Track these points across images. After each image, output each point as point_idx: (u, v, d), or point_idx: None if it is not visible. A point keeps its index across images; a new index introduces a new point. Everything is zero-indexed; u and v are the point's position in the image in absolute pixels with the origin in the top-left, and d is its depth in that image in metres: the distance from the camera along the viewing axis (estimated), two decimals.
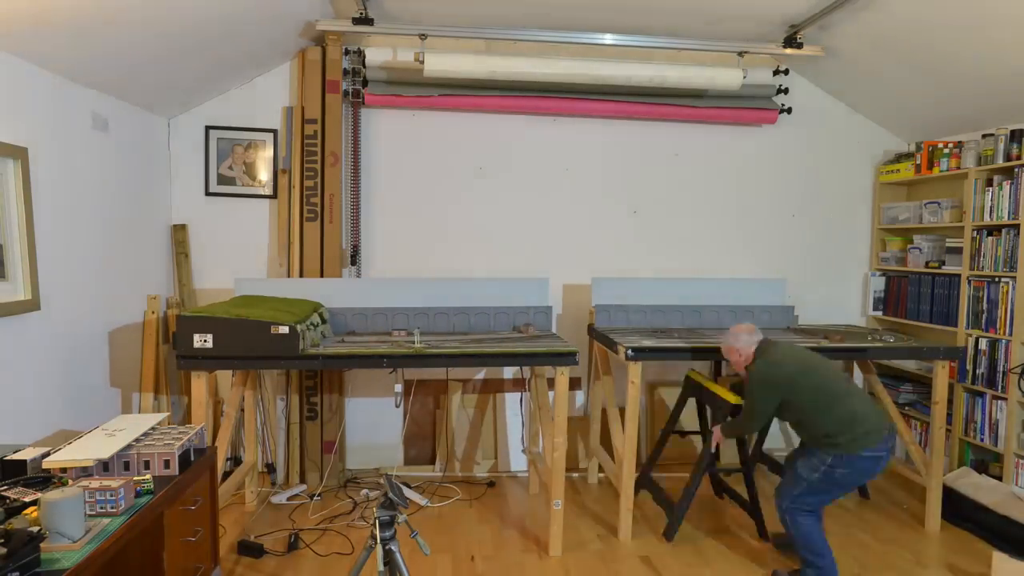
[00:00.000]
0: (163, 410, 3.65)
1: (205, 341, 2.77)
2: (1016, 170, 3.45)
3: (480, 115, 4.13)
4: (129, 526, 1.78)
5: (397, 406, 3.62)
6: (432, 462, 4.18)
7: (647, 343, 3.26)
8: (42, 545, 1.57)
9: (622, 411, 4.14)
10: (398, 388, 3.24)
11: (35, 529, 1.55)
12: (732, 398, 3.18)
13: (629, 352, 3.15)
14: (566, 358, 3.02)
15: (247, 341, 2.78)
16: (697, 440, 4.30)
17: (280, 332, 2.80)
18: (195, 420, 2.89)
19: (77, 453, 1.95)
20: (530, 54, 3.90)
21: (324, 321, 3.34)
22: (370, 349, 2.96)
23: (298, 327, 2.83)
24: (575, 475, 4.17)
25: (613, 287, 3.91)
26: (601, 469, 4.11)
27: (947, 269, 3.91)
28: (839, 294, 4.53)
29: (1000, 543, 3.24)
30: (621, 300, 3.91)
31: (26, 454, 2.04)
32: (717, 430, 3.17)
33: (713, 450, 3.30)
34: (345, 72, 3.91)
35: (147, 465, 2.08)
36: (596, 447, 3.99)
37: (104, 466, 2.03)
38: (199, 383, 2.87)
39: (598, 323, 3.87)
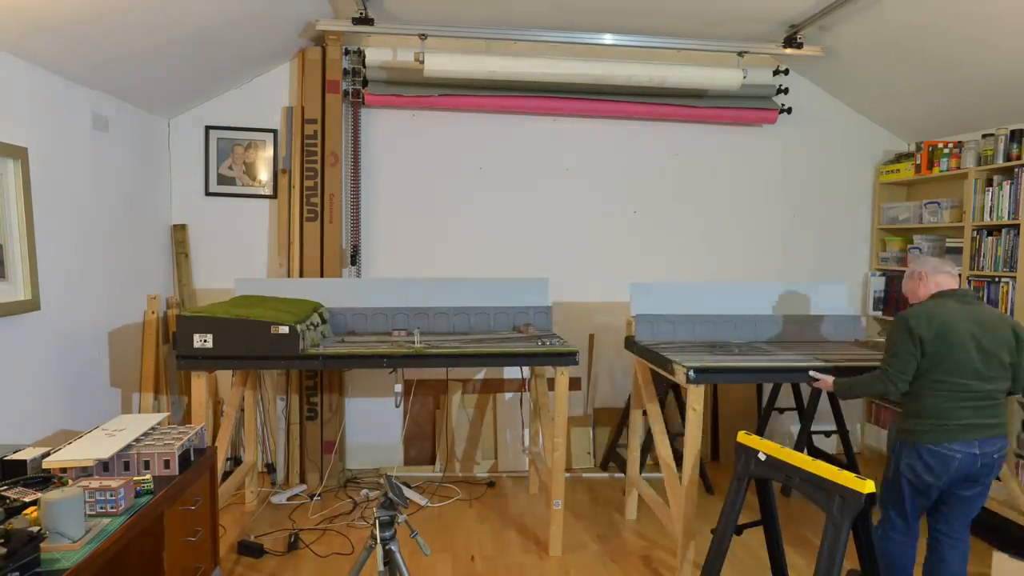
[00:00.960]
0: (163, 410, 3.65)
1: (205, 341, 2.77)
2: (1016, 170, 3.45)
3: (480, 115, 4.13)
4: (129, 526, 1.78)
5: (397, 406, 3.63)
6: (432, 462, 4.18)
7: (710, 362, 2.79)
8: (42, 545, 1.57)
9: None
10: (398, 388, 3.23)
11: (35, 529, 1.55)
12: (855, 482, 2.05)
13: (691, 374, 2.71)
14: (566, 358, 3.02)
15: (247, 341, 2.78)
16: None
17: (280, 332, 2.80)
18: (195, 420, 2.89)
19: (77, 453, 1.95)
20: (530, 54, 3.90)
21: (324, 321, 3.34)
22: (370, 349, 2.96)
23: (298, 327, 2.83)
24: (571, 475, 4.17)
25: (652, 294, 3.48)
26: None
27: None
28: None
29: (1000, 543, 3.24)
30: (661, 309, 3.47)
31: (26, 454, 2.04)
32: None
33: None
34: (345, 72, 3.91)
35: (147, 465, 2.08)
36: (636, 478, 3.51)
37: (104, 466, 2.02)
38: (199, 383, 2.87)
39: (639, 336, 3.40)
